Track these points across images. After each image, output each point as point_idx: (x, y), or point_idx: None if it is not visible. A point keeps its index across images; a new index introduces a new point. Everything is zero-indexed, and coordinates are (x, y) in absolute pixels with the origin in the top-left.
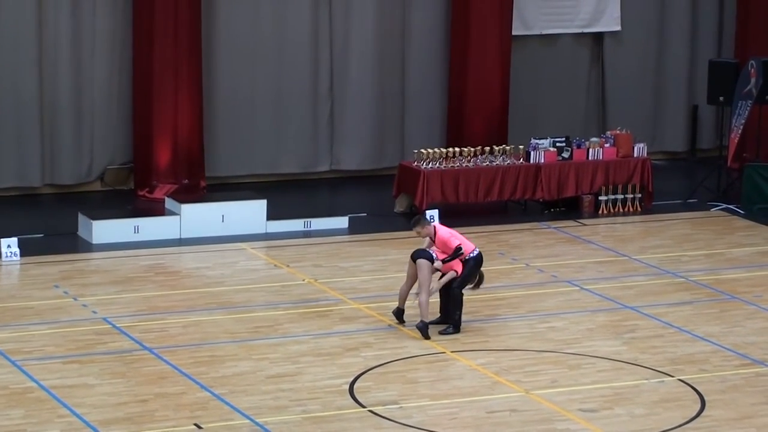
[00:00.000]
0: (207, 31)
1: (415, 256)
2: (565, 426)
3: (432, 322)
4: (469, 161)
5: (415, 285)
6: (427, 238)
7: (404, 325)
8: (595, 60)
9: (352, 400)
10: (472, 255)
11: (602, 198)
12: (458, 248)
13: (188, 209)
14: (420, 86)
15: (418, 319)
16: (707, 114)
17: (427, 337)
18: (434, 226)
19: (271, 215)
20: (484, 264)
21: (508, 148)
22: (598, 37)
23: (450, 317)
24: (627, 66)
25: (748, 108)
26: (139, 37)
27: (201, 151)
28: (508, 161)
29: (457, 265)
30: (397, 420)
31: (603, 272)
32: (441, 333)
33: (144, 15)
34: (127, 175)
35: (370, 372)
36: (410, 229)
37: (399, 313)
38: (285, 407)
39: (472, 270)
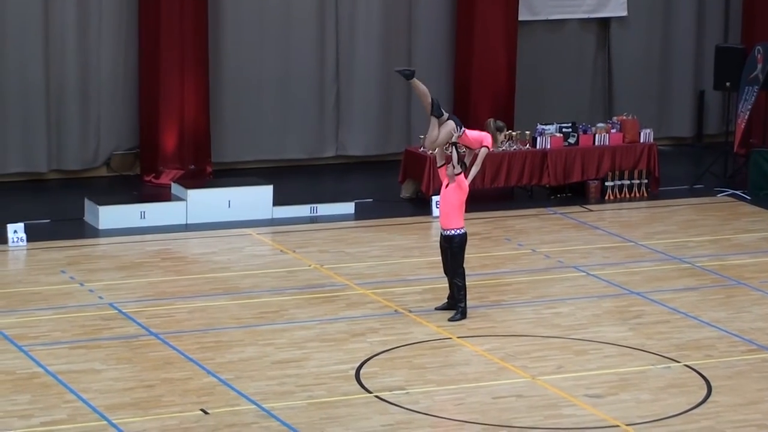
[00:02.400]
0: (213, 16)
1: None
2: (571, 411)
3: (438, 308)
4: None
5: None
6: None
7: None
8: (601, 46)
9: (358, 386)
10: (458, 231)
11: (608, 184)
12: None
13: (194, 195)
14: (426, 72)
15: (421, 304)
16: (714, 100)
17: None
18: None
19: (278, 201)
20: (491, 248)
21: (514, 133)
22: (605, 22)
23: (455, 305)
24: (633, 52)
25: (755, 94)
26: (146, 22)
27: (207, 137)
28: (515, 147)
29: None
30: (403, 405)
31: (609, 258)
32: (450, 320)
33: (150, 0)
34: (133, 161)
35: (376, 357)
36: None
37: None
38: (291, 393)
39: (459, 250)
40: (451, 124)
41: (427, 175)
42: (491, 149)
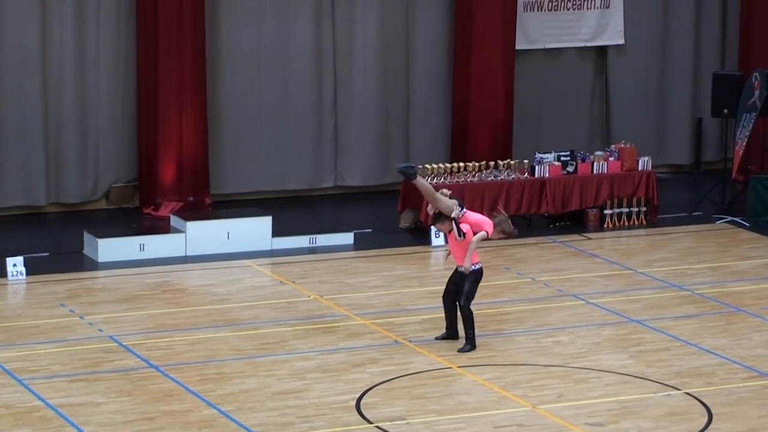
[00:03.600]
0: (211, 48)
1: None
2: None
3: (438, 338)
4: (473, 176)
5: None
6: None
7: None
8: (598, 73)
9: (358, 416)
10: (473, 267)
11: (607, 212)
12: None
13: (193, 226)
14: (424, 102)
15: (422, 334)
16: (712, 127)
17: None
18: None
19: (277, 232)
20: (490, 278)
21: (512, 162)
22: (602, 50)
23: (465, 336)
24: (631, 79)
25: (753, 120)
26: (144, 54)
27: (206, 169)
28: (513, 176)
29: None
30: None
31: (609, 286)
32: (459, 351)
33: (148, 33)
34: (132, 193)
35: (376, 388)
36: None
37: None
38: (291, 424)
39: (474, 285)
40: (454, 201)
41: (425, 205)
42: (489, 235)
